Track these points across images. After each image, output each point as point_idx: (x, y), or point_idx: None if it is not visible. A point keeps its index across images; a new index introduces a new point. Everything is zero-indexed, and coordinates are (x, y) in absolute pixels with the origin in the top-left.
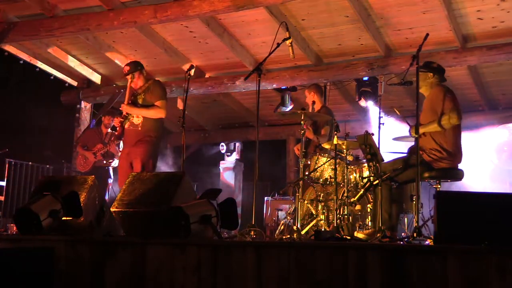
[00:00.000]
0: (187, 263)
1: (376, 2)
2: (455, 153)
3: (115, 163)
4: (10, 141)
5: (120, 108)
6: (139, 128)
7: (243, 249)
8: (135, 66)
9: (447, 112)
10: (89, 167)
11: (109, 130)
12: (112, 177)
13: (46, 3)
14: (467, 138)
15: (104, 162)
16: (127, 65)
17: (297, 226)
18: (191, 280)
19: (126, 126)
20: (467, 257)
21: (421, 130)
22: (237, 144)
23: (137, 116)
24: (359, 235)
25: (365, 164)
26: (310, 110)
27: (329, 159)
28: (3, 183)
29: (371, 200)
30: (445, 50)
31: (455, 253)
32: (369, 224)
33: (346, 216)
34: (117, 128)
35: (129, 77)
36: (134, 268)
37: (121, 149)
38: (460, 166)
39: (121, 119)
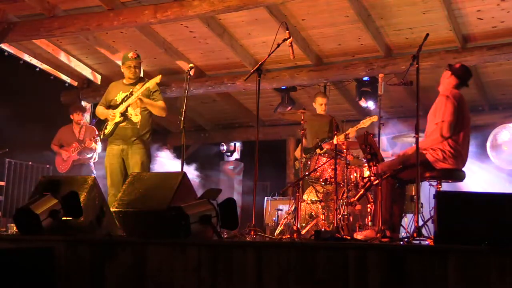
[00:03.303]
0: (187, 263)
1: (376, 2)
2: (458, 156)
3: (94, 158)
4: (10, 141)
5: (138, 98)
6: (138, 126)
7: (243, 249)
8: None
9: (440, 123)
10: (68, 166)
11: (82, 123)
12: (94, 173)
13: (46, 3)
14: None
15: (82, 159)
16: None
17: (297, 226)
18: (191, 280)
19: (121, 125)
20: (467, 257)
21: (422, 145)
22: (237, 144)
23: (136, 114)
24: (358, 236)
25: (365, 164)
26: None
27: (329, 159)
28: (3, 183)
29: (371, 200)
30: (445, 50)
31: (455, 253)
32: (369, 224)
33: (346, 216)
34: (108, 127)
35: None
36: (134, 268)
37: (98, 144)
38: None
39: (119, 119)
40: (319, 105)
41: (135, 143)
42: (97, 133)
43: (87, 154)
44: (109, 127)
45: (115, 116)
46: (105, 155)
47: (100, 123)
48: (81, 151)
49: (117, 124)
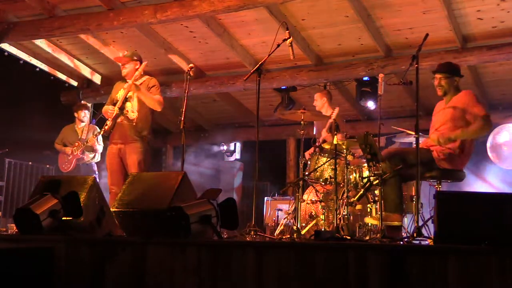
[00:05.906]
0: (187, 263)
1: (376, 2)
2: (465, 156)
3: (97, 158)
4: (10, 141)
5: (127, 84)
6: (134, 123)
7: (243, 249)
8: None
9: (480, 117)
10: (71, 165)
11: (83, 123)
12: (97, 173)
13: (46, 3)
14: None
15: (85, 158)
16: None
17: (297, 226)
18: (191, 280)
19: (118, 121)
20: (467, 257)
21: (454, 136)
22: (237, 144)
23: (132, 111)
24: (371, 220)
25: (365, 164)
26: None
27: (329, 159)
28: (3, 183)
29: (371, 200)
30: (445, 50)
31: (455, 253)
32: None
33: (346, 216)
34: (108, 122)
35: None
36: (134, 268)
37: (99, 143)
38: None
39: (116, 113)
40: (314, 100)
41: (132, 142)
42: (98, 130)
43: (90, 154)
44: (109, 123)
45: (113, 111)
46: (106, 155)
47: (101, 123)
48: (84, 149)
49: (115, 119)
